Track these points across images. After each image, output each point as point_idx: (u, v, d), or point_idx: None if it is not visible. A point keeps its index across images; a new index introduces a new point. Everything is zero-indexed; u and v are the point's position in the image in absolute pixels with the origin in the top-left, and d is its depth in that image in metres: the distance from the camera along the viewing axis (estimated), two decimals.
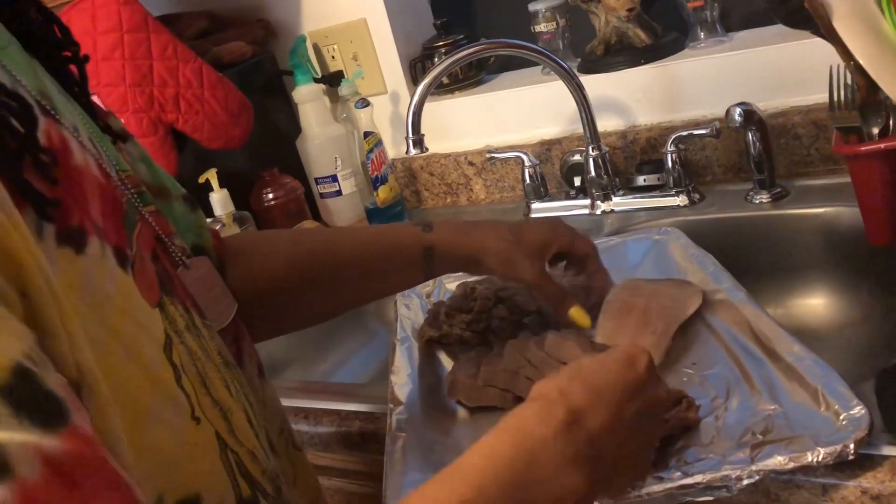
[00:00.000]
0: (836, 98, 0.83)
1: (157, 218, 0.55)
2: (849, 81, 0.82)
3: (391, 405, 0.80)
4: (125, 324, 0.43)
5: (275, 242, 0.79)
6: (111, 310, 0.42)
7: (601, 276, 0.86)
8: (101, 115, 0.57)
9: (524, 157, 1.28)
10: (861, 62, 0.77)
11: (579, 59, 1.35)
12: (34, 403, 0.31)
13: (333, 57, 1.54)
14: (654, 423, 0.56)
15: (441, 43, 1.45)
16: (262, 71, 1.53)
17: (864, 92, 0.80)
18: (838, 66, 0.82)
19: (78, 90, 0.54)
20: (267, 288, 0.75)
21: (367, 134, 1.39)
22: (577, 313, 0.81)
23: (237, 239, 0.77)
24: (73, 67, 0.55)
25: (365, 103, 1.42)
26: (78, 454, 0.32)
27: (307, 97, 1.46)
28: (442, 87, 1.45)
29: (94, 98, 0.57)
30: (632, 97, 1.27)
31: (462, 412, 0.79)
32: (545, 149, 1.34)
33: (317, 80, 1.49)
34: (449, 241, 0.77)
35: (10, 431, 0.30)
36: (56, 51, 0.54)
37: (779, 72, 1.13)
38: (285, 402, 0.70)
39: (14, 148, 0.39)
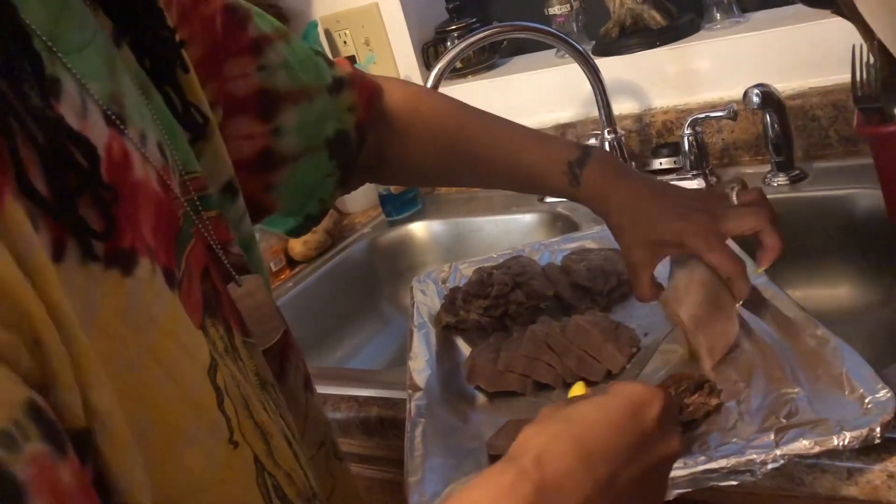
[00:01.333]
0: (858, 78, 0.82)
1: (217, 224, 0.53)
2: (871, 61, 0.81)
3: (410, 391, 0.80)
4: (168, 346, 0.42)
5: (430, 136, 0.79)
6: (155, 332, 0.41)
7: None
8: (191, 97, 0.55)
9: None
10: (884, 41, 0.76)
11: (594, 42, 1.34)
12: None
13: (345, 42, 1.53)
14: (656, 484, 0.48)
15: (454, 27, 1.44)
16: None
17: (887, 71, 0.79)
18: (860, 45, 0.81)
19: (170, 76, 0.53)
20: (409, 169, 0.81)
21: None
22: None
23: (395, 111, 0.77)
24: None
25: None
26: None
27: None
28: (455, 72, 1.44)
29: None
30: (647, 80, 1.26)
31: (481, 397, 0.79)
32: (560, 132, 1.33)
33: None
34: (587, 200, 0.75)
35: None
36: (153, 33, 0.52)
37: (797, 52, 1.12)
38: None
39: (74, 185, 0.38)
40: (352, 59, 1.50)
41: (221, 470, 0.44)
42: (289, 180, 0.70)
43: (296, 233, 0.77)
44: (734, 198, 0.72)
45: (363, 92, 0.74)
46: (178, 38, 0.55)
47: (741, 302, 0.73)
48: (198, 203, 0.51)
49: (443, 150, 0.78)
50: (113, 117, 0.44)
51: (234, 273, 0.54)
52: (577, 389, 0.65)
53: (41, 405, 0.33)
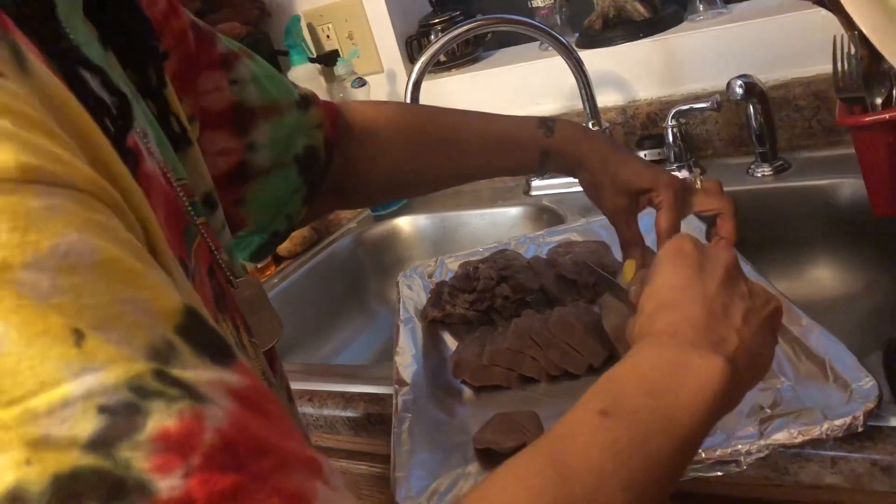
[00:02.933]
0: (839, 69, 0.83)
1: (206, 230, 0.53)
2: (852, 52, 0.82)
3: (396, 386, 0.79)
4: None
5: (396, 129, 0.78)
6: None
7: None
8: (172, 107, 0.55)
9: None
10: (865, 32, 0.76)
11: (577, 34, 1.34)
12: (208, 341, 0.32)
13: (328, 36, 1.53)
14: (740, 289, 0.51)
15: (437, 20, 1.44)
16: (257, 51, 1.50)
17: (868, 62, 0.79)
18: (841, 36, 0.81)
19: (154, 86, 0.53)
20: (379, 176, 0.78)
21: None
22: (627, 267, 0.76)
23: (357, 119, 0.77)
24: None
25: (361, 83, 1.41)
26: (254, 387, 0.33)
27: (303, 78, 1.45)
28: (439, 65, 1.44)
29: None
30: (631, 72, 1.26)
31: (468, 392, 0.79)
32: None
33: (312, 60, 1.48)
34: (563, 148, 0.76)
35: (198, 370, 0.30)
36: (137, 43, 0.52)
37: (779, 43, 1.12)
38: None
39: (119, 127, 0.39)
40: (335, 54, 1.49)
41: None
42: (258, 195, 0.70)
43: (259, 255, 0.77)
44: (698, 184, 0.76)
45: (327, 109, 0.74)
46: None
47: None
48: (191, 208, 0.52)
49: (411, 143, 0.78)
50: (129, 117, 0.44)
51: (229, 276, 0.54)
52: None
53: (197, 310, 0.33)
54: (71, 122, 0.33)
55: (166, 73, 0.56)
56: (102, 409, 0.28)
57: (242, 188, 0.69)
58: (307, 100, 0.73)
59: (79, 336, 0.28)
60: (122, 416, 0.28)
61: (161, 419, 0.28)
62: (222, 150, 0.67)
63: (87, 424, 0.27)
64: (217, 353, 0.32)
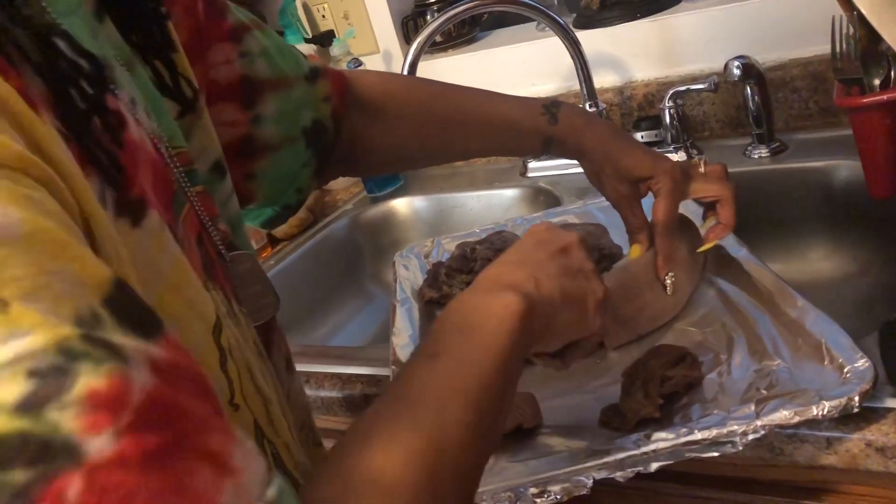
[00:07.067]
0: (837, 49, 0.82)
1: (203, 199, 0.53)
2: (850, 32, 0.81)
3: (393, 367, 0.80)
4: (175, 302, 0.42)
5: (405, 106, 0.79)
6: (162, 287, 0.41)
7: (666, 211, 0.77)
8: (180, 71, 0.55)
9: None
10: (863, 12, 0.75)
11: (574, 15, 1.33)
12: (135, 315, 0.32)
13: (324, 16, 1.52)
14: (565, 259, 0.56)
15: (433, 0, 1.43)
16: None
17: (866, 43, 0.79)
18: (840, 16, 0.81)
19: (160, 46, 0.53)
20: (384, 150, 0.79)
21: None
22: (634, 250, 0.78)
23: (366, 93, 0.77)
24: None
25: (357, 63, 1.40)
26: (175, 363, 0.32)
27: None
28: (435, 46, 1.43)
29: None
30: (628, 52, 1.25)
31: None
32: None
33: (307, 41, 1.47)
34: (565, 136, 0.76)
35: (122, 338, 0.30)
36: (136, 4, 0.52)
37: (777, 24, 1.12)
38: None
39: (83, 109, 0.38)
40: (331, 34, 1.48)
41: None
42: (269, 170, 0.70)
43: (272, 223, 0.78)
44: (701, 167, 0.76)
45: (335, 82, 0.74)
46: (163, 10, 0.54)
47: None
48: (184, 177, 0.51)
49: (418, 120, 0.78)
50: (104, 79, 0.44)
51: (222, 249, 0.54)
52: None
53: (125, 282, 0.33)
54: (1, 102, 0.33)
55: (176, 39, 0.55)
56: (31, 373, 0.28)
57: (252, 163, 0.69)
58: (316, 72, 0.73)
59: (4, 305, 0.28)
60: (50, 377, 0.28)
61: (89, 379, 0.28)
62: (229, 122, 0.67)
63: (15, 388, 0.27)
64: (142, 325, 0.32)
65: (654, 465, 0.59)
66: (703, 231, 0.79)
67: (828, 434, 0.60)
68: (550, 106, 0.77)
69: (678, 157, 1.14)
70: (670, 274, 0.75)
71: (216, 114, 0.64)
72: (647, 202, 0.76)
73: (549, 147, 0.78)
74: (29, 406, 0.27)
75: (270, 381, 0.52)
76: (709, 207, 0.78)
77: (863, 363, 0.60)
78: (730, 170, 0.77)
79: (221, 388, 0.44)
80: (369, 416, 0.44)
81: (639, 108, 1.24)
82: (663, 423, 0.63)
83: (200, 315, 0.44)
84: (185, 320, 0.43)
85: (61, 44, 0.39)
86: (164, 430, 0.29)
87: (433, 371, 0.46)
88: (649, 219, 0.76)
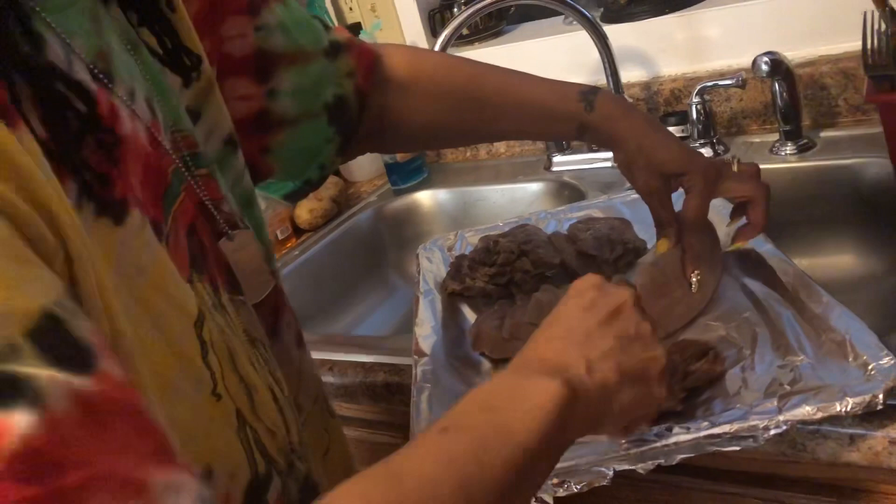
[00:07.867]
0: (869, 45, 0.82)
1: (207, 183, 0.53)
2: (882, 28, 0.81)
3: (416, 357, 0.80)
4: (156, 298, 0.43)
5: (436, 85, 0.77)
6: (143, 283, 0.42)
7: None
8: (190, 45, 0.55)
9: None
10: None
11: (602, 9, 1.32)
12: (62, 348, 0.31)
13: (351, 8, 1.52)
14: (620, 326, 0.52)
15: None
16: None
17: None
18: (872, 12, 0.80)
19: (161, 13, 0.53)
20: (414, 129, 0.78)
21: None
22: (661, 244, 0.77)
23: (396, 69, 0.76)
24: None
25: None
26: (107, 396, 0.32)
27: None
28: (461, 39, 1.43)
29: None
30: (655, 47, 1.24)
31: (486, 364, 0.79)
32: None
33: None
34: (600, 125, 0.75)
35: (36, 368, 0.30)
36: None
37: (807, 19, 1.11)
38: None
39: (76, 129, 0.39)
40: (358, 26, 1.49)
41: (205, 421, 0.45)
42: (287, 144, 0.70)
43: (294, 197, 0.77)
44: (734, 166, 0.75)
45: (362, 58, 0.73)
46: None
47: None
48: (189, 160, 0.52)
49: (450, 102, 0.77)
50: (99, 74, 0.44)
51: (226, 228, 0.54)
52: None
53: (61, 316, 0.32)
54: None
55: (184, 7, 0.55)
56: None
57: (268, 137, 0.69)
58: (338, 46, 0.71)
59: None
60: None
61: None
62: (242, 96, 0.66)
63: None
64: (69, 359, 0.31)
65: (677, 458, 0.59)
66: (730, 229, 0.78)
67: (851, 431, 0.60)
68: (588, 93, 0.75)
69: (704, 152, 1.13)
70: (696, 272, 0.75)
71: (230, 88, 0.64)
72: (675, 196, 0.76)
73: (584, 134, 0.76)
74: None
75: (263, 367, 0.52)
76: (738, 206, 0.77)
77: (888, 360, 0.59)
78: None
79: (203, 380, 0.45)
80: (353, 484, 0.40)
81: (665, 103, 1.23)
82: (685, 416, 0.63)
83: (181, 309, 0.45)
84: (165, 315, 0.43)
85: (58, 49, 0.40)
86: (37, 482, 0.28)
87: (436, 446, 0.42)
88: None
